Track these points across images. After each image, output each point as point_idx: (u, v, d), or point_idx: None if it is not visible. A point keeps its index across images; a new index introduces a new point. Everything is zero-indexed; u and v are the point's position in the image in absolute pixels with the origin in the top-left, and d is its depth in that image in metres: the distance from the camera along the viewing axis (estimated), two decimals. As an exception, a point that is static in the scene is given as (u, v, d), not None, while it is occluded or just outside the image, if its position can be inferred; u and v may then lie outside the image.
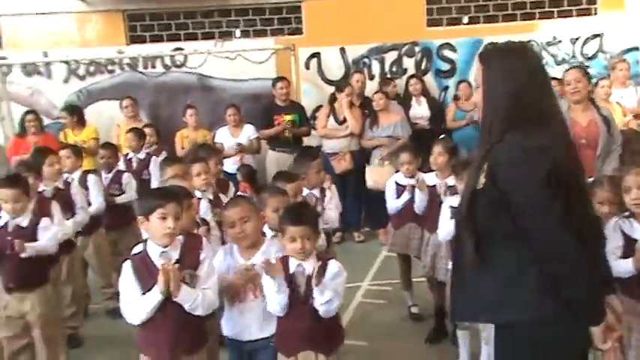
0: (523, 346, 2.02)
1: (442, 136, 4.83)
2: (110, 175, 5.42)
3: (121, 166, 5.95)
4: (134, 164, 6.12)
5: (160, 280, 2.60)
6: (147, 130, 6.74)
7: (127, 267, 2.74)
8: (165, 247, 2.72)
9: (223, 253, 3.02)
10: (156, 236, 2.72)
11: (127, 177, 5.45)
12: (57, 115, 7.77)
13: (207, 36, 8.17)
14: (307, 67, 8.10)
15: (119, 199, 5.37)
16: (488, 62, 2.11)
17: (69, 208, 4.55)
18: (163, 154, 6.81)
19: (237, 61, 7.74)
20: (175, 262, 2.66)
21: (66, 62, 7.73)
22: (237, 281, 2.85)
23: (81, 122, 7.16)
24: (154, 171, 6.08)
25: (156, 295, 2.63)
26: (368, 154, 6.96)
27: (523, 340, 2.01)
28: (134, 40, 8.01)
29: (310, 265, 2.76)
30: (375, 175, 6.43)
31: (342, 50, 8.10)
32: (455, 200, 3.38)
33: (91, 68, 7.92)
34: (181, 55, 7.90)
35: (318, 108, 7.79)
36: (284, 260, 2.78)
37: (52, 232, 3.81)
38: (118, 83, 7.96)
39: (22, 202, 3.69)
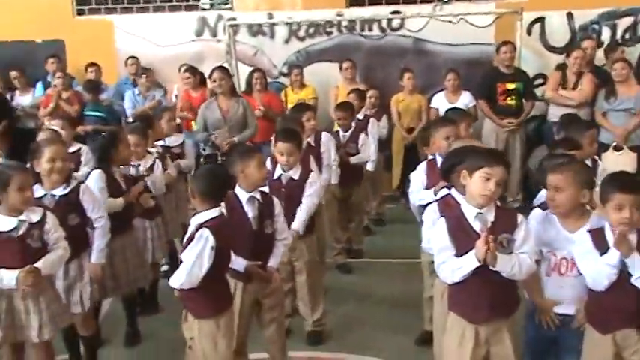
0: None
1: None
2: (348, 135, 5.55)
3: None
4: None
5: (479, 248, 2.56)
6: (371, 92, 6.83)
7: (442, 225, 2.74)
8: (481, 208, 2.68)
9: (541, 220, 2.91)
10: (474, 196, 2.69)
11: (363, 138, 5.55)
12: (277, 74, 8.16)
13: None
14: (529, 32, 7.70)
15: (354, 159, 5.50)
16: None
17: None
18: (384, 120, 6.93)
19: (457, 26, 7.55)
20: (491, 225, 2.63)
21: (288, 24, 8.00)
22: None
23: (302, 81, 7.51)
24: (372, 132, 6.15)
25: (472, 261, 2.60)
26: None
27: None
28: (353, 2, 8.08)
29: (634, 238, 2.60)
30: (609, 163, 5.91)
31: (570, 15, 7.61)
32: None
33: (311, 30, 8.14)
34: (398, 19, 7.87)
35: (537, 76, 7.44)
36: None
37: (315, 188, 3.98)
38: (335, 45, 8.11)
39: (295, 155, 3.88)
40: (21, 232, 3.05)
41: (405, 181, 7.50)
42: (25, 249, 3.06)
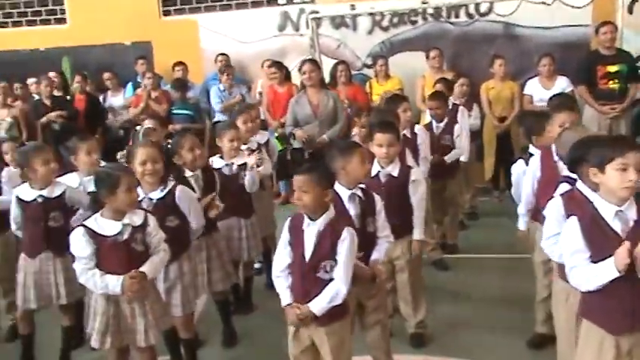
0: None
1: None
2: (442, 125, 5.35)
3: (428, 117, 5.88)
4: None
5: (619, 258, 2.27)
6: (461, 80, 6.58)
7: (574, 225, 2.46)
8: (621, 205, 2.40)
9: None
10: (613, 191, 2.40)
11: (458, 128, 5.34)
12: (360, 66, 8.02)
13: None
14: (630, 11, 7.22)
15: (448, 157, 5.35)
16: None
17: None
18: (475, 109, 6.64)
19: (550, 8, 7.17)
20: (633, 225, 2.35)
21: (371, 14, 7.83)
22: None
23: (387, 72, 7.36)
24: (462, 122, 5.91)
25: (611, 271, 2.31)
26: None
27: None
28: (439, -11, 7.82)
29: None
30: None
31: (676, -10, 7.07)
32: None
33: (395, 19, 7.95)
34: (486, 3, 7.55)
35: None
36: None
37: (422, 188, 3.86)
38: (420, 34, 7.89)
39: (396, 147, 3.73)
40: (125, 236, 3.03)
41: (497, 172, 7.27)
42: (130, 253, 3.04)
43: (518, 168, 3.94)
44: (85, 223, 3.05)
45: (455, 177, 5.56)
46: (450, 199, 5.54)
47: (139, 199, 3.37)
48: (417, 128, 4.87)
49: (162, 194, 3.51)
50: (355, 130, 5.95)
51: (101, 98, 8.09)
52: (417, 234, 3.81)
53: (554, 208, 2.78)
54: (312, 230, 2.87)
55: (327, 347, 2.85)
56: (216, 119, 7.45)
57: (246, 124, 4.87)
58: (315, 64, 6.02)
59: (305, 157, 5.62)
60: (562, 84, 6.76)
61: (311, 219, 2.88)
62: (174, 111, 7.29)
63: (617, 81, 6.50)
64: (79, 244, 3.01)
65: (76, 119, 7.50)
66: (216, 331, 4.25)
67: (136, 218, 3.09)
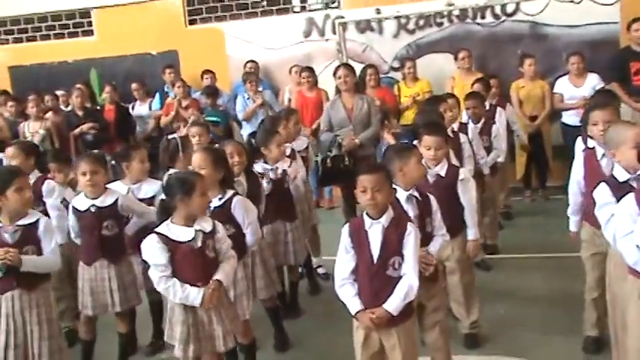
0: None
1: None
2: (479, 126, 5.35)
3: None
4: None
5: None
6: (492, 81, 6.57)
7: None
8: None
9: None
10: None
11: (496, 128, 5.34)
12: (387, 70, 8.03)
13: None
14: (659, 6, 7.19)
15: (487, 162, 5.34)
16: None
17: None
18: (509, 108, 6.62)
19: (578, 6, 7.13)
20: None
21: (397, 17, 7.84)
22: None
23: (415, 74, 7.40)
24: (501, 122, 5.91)
25: None
26: None
27: None
28: (464, -10, 7.82)
29: None
30: None
31: None
32: None
33: (421, 22, 7.95)
34: (513, 4, 7.54)
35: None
36: None
37: (471, 187, 3.84)
38: (446, 36, 7.89)
39: (444, 149, 3.76)
40: (199, 243, 3.04)
41: (529, 172, 7.25)
42: (204, 260, 3.06)
43: None
44: (158, 230, 3.06)
45: (493, 177, 5.55)
46: (489, 200, 5.53)
47: None
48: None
49: (220, 202, 3.54)
50: (385, 135, 6.00)
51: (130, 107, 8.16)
52: (472, 234, 3.81)
53: (628, 204, 2.76)
54: (376, 229, 2.88)
55: (398, 348, 2.85)
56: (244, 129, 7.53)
57: (286, 129, 4.92)
58: (349, 68, 6.01)
59: (346, 163, 5.57)
60: (592, 81, 6.74)
61: (372, 219, 2.90)
62: (206, 118, 7.32)
63: (651, 77, 6.49)
64: (153, 251, 3.03)
65: (107, 130, 7.57)
66: (267, 336, 4.26)
67: (205, 225, 3.11)
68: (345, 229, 2.98)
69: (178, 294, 3.02)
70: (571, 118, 6.77)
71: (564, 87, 6.94)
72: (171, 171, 3.96)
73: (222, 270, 3.11)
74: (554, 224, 6.02)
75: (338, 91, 6.03)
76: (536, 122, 7.02)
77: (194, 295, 3.01)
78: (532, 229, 6.35)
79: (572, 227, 3.87)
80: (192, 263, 3.04)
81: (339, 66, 6.05)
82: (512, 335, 4.10)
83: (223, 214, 3.52)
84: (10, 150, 4.43)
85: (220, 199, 3.55)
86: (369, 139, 5.87)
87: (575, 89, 6.84)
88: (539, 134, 7.08)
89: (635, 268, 2.72)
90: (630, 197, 2.76)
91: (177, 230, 3.05)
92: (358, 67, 7.41)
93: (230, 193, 3.60)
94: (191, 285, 3.03)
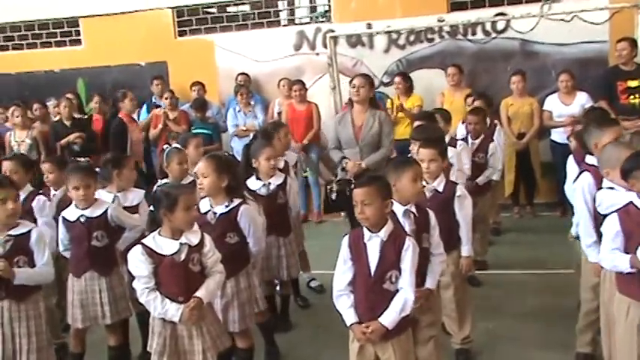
0: None
1: None
2: (477, 142, 5.39)
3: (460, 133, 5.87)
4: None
5: None
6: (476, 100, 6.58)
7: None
8: None
9: None
10: None
11: (493, 146, 5.36)
12: (378, 84, 8.02)
13: (529, -1, 7.73)
14: (647, 27, 7.28)
15: (481, 179, 5.45)
16: None
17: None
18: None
19: (568, 25, 7.16)
20: None
21: (388, 32, 7.87)
22: None
23: (410, 89, 7.41)
24: (499, 140, 5.92)
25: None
26: None
27: None
28: (455, 7, 7.87)
29: None
30: None
31: (698, 7, 7.13)
32: None
33: (411, 37, 7.98)
34: (503, 21, 7.60)
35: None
36: None
37: (468, 204, 3.82)
38: (437, 52, 7.92)
39: (438, 163, 3.74)
40: (183, 256, 3.02)
41: (517, 189, 7.28)
42: (187, 273, 3.04)
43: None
44: (144, 241, 3.03)
45: (485, 194, 5.55)
46: (481, 217, 5.52)
47: (205, 210, 3.46)
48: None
49: (226, 210, 3.54)
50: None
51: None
52: (466, 251, 3.80)
53: (611, 224, 2.77)
54: (375, 242, 2.88)
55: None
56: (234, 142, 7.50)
57: (286, 137, 4.90)
58: (367, 79, 5.40)
59: (353, 187, 5.39)
60: (582, 99, 6.81)
61: (371, 232, 2.88)
62: (194, 131, 7.28)
63: (637, 96, 6.56)
64: (137, 262, 3.01)
65: (94, 140, 7.48)
66: (258, 348, 4.19)
67: (192, 238, 3.08)
68: (345, 241, 2.98)
69: (158, 309, 3.01)
70: (560, 135, 6.83)
71: (554, 104, 6.99)
72: (161, 182, 3.93)
73: (206, 286, 3.09)
74: (542, 241, 6.12)
75: (351, 102, 5.56)
76: (523, 140, 7.05)
77: (172, 311, 3.00)
78: (519, 245, 6.36)
79: (593, 258, 3.38)
80: (175, 276, 3.01)
81: (355, 75, 5.51)
82: (501, 350, 4.10)
83: (228, 222, 3.53)
84: (9, 164, 4.34)
85: (227, 206, 3.55)
86: (377, 162, 5.20)
87: (564, 107, 6.90)
88: (527, 151, 7.11)
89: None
90: (614, 217, 2.78)
91: (162, 242, 3.04)
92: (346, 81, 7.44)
93: (237, 201, 3.59)
94: (173, 299, 3.01)
